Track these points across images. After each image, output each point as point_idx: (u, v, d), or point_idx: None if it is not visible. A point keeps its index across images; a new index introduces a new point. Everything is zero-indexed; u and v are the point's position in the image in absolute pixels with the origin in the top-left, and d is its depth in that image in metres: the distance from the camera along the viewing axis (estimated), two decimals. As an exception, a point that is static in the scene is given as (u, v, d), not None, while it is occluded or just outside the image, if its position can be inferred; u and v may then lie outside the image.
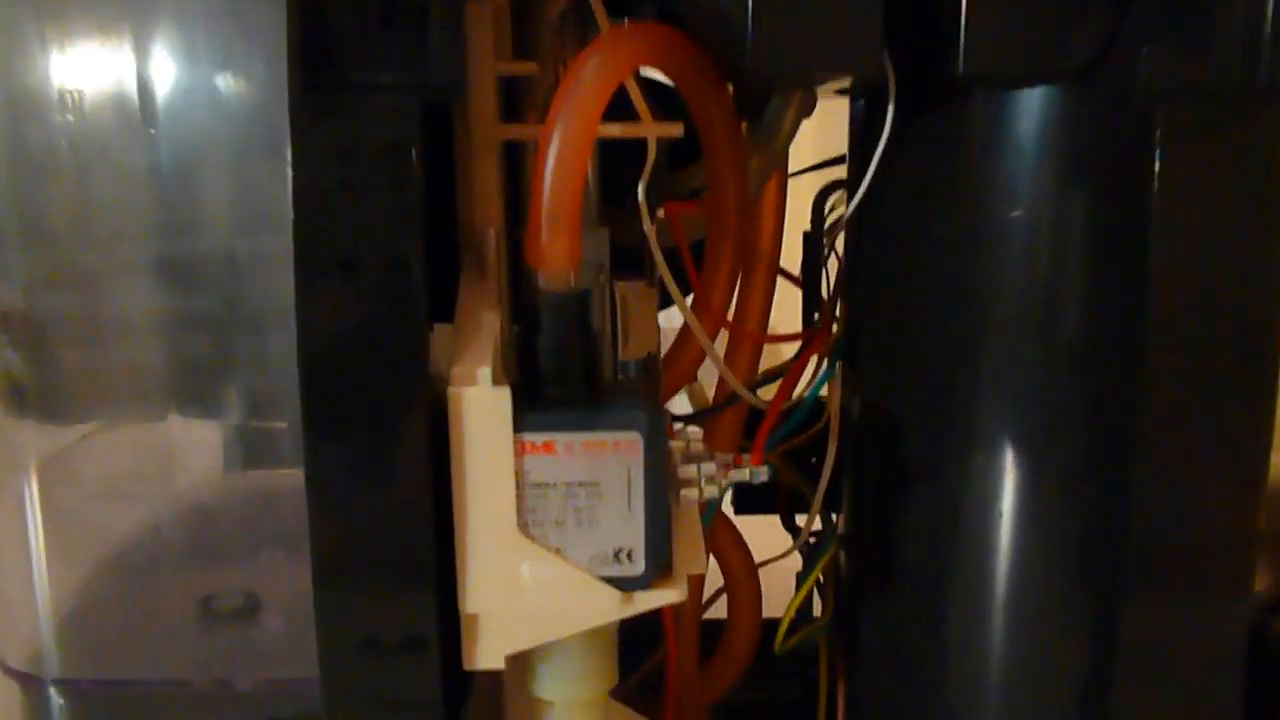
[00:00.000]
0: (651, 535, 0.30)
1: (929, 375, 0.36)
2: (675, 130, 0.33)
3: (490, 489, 0.29)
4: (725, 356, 0.40)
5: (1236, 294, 0.31)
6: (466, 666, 0.30)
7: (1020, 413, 0.34)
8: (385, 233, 0.28)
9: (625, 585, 0.30)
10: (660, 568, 0.30)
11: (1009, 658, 0.35)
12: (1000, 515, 0.34)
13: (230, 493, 0.40)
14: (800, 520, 0.42)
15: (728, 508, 0.49)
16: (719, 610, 0.43)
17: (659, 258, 0.34)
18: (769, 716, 0.45)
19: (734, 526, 0.42)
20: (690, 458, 0.31)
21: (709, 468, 0.31)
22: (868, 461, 0.39)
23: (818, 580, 0.43)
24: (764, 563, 0.43)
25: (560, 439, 0.29)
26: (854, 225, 0.39)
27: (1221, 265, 0.30)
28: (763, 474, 0.31)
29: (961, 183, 0.33)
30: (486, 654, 0.30)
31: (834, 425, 0.39)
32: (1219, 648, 0.33)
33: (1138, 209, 0.30)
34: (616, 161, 0.37)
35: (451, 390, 0.29)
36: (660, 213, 0.38)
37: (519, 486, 0.29)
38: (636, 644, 0.41)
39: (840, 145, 0.42)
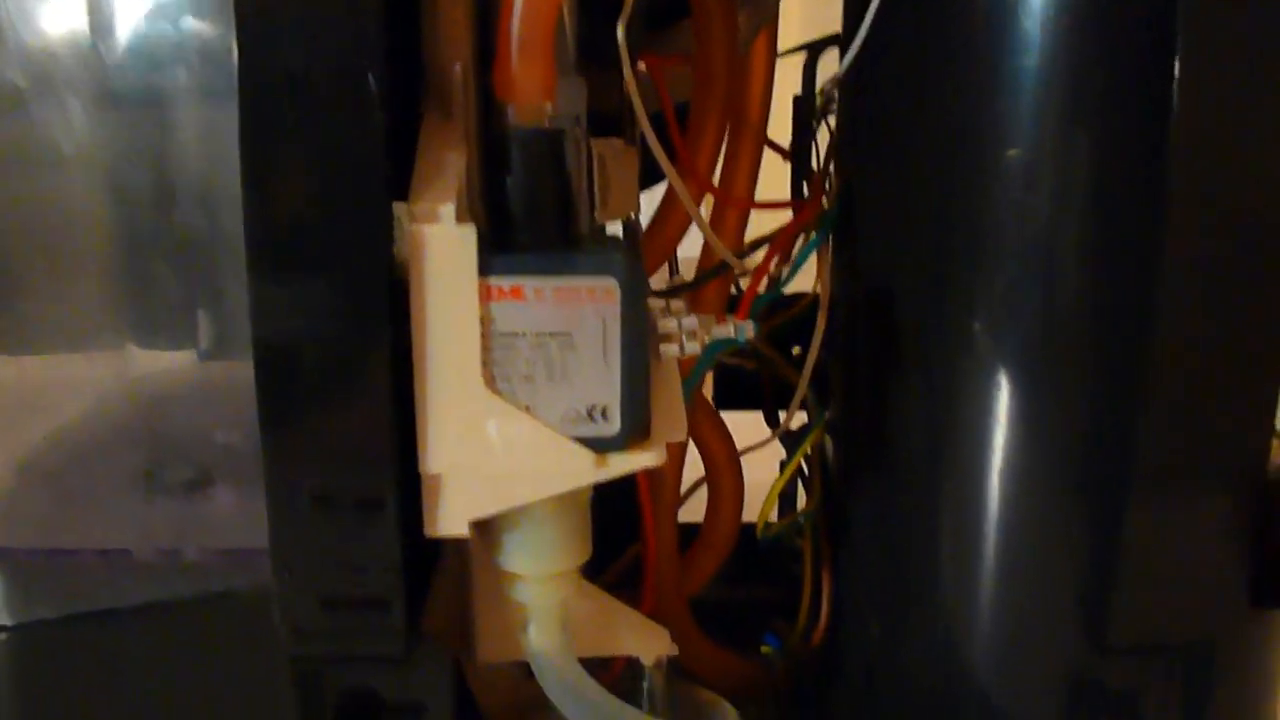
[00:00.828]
0: (628, 392, 0.28)
1: (925, 253, 0.34)
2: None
3: (453, 338, 0.27)
4: (710, 224, 0.38)
5: (1261, 164, 0.28)
6: (428, 532, 0.28)
7: (1024, 295, 0.32)
8: (337, 47, 0.25)
9: (599, 446, 0.28)
10: (637, 428, 0.28)
11: (1005, 552, 0.33)
12: (1000, 401, 0.33)
13: (185, 380, 0.38)
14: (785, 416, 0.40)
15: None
16: (696, 515, 0.41)
17: (639, 108, 0.32)
18: (750, 615, 0.43)
19: (715, 412, 0.40)
20: (671, 314, 0.29)
21: (690, 322, 0.28)
22: (860, 342, 0.37)
23: (801, 471, 0.41)
24: (746, 450, 0.41)
25: (530, 284, 0.27)
26: (848, 92, 0.37)
27: (1244, 131, 0.28)
28: (747, 330, 0.29)
29: (966, 45, 0.31)
30: (449, 519, 0.28)
31: (823, 301, 0.37)
32: (1224, 547, 0.32)
33: (1158, 75, 0.27)
34: (594, 20, 0.35)
35: (412, 228, 0.26)
36: (641, 66, 0.35)
37: (484, 336, 0.27)
38: (613, 540, 0.39)
39: (831, 26, 0.39)
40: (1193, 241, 0.28)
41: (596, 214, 0.35)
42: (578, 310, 0.27)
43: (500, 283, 0.27)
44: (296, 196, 0.26)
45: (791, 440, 0.40)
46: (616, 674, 0.36)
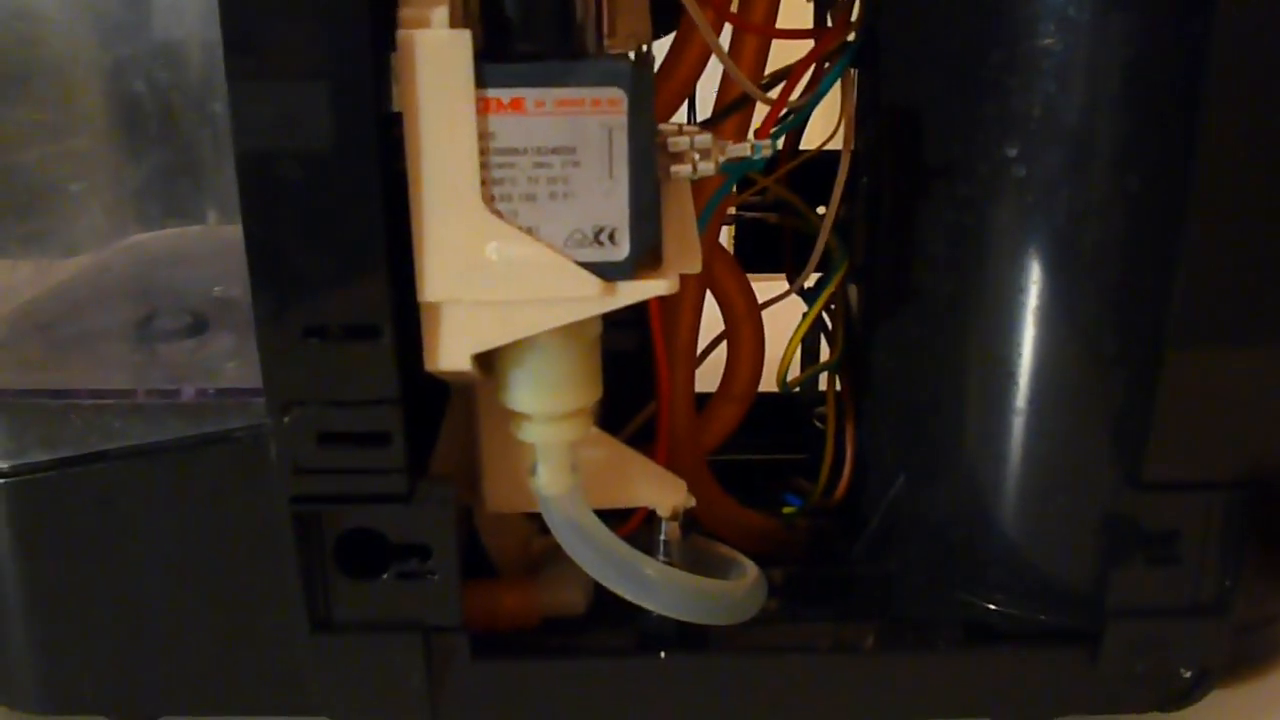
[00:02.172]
0: (637, 212, 0.26)
1: (953, 83, 0.31)
2: None
3: (449, 154, 0.25)
4: (729, 53, 0.35)
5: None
6: (428, 365, 0.27)
7: (1060, 120, 0.29)
8: None
9: (607, 272, 0.26)
10: (647, 253, 0.27)
11: (1037, 394, 0.32)
12: (1032, 237, 0.31)
13: (184, 243, 0.37)
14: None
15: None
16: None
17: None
18: (771, 475, 0.42)
19: (734, 261, 0.38)
20: (683, 132, 0.27)
21: (704, 140, 0.27)
22: (884, 183, 0.35)
23: (824, 326, 0.39)
24: (767, 303, 0.39)
25: (530, 95, 0.25)
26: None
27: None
28: (765, 149, 0.27)
29: None
30: (449, 351, 0.27)
31: (846, 140, 0.35)
32: (1266, 386, 0.30)
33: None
34: None
35: (401, 34, 0.24)
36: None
37: (483, 153, 0.25)
38: (628, 399, 0.38)
39: None
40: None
41: (605, 41, 0.33)
42: (582, 123, 0.25)
43: (499, 94, 0.25)
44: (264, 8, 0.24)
45: (812, 293, 0.38)
46: (634, 527, 0.35)
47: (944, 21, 0.31)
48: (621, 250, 0.26)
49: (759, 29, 0.34)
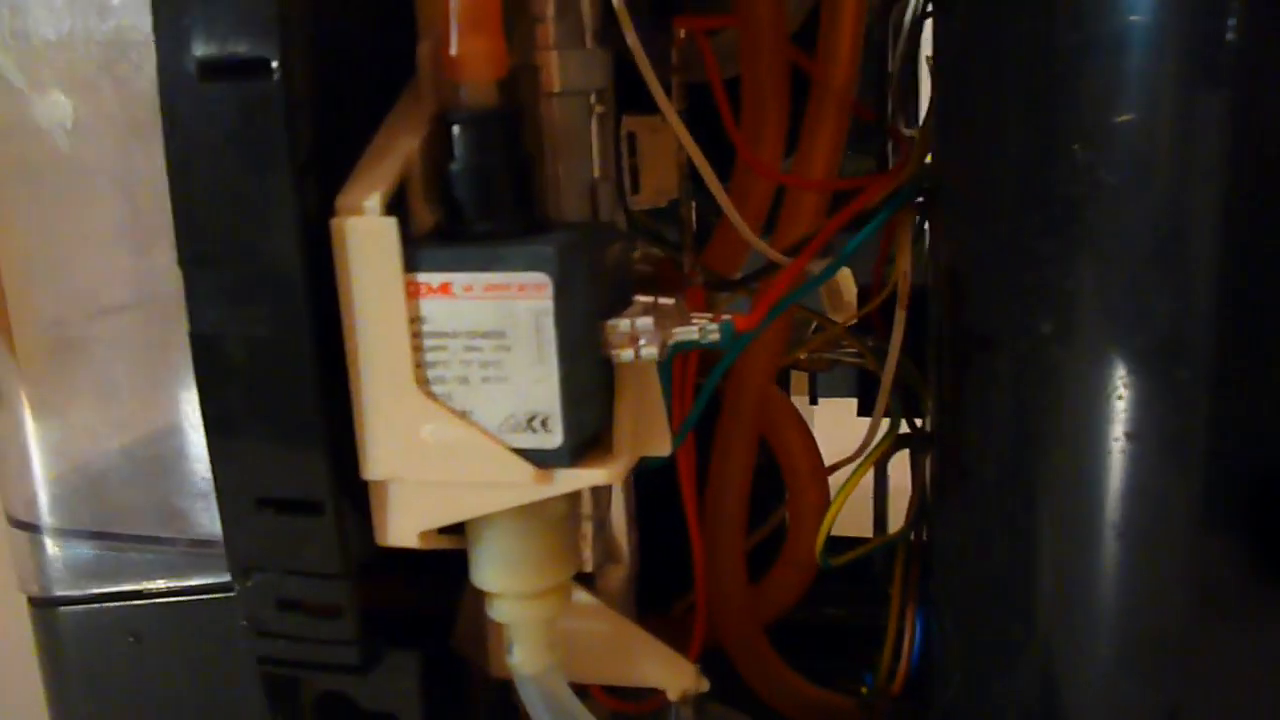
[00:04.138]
0: (568, 400, 0.25)
1: (1014, 236, 0.28)
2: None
3: (382, 337, 0.25)
4: (785, 211, 0.33)
5: None
6: (378, 541, 0.27)
7: (1142, 285, 0.25)
8: (246, 29, 0.24)
9: (542, 459, 0.25)
10: (582, 442, 0.25)
11: (1120, 585, 0.27)
12: (1111, 407, 0.26)
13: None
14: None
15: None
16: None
17: (652, 82, 0.28)
18: (819, 638, 0.38)
19: (795, 414, 0.35)
20: (631, 313, 0.25)
21: (644, 322, 0.25)
22: (942, 337, 0.31)
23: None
24: (835, 467, 0.36)
25: (458, 279, 0.25)
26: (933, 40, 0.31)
27: None
28: (714, 333, 0.25)
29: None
30: (398, 529, 0.27)
31: (902, 292, 0.32)
32: None
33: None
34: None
35: (334, 221, 0.25)
36: (680, 33, 0.31)
37: (415, 335, 0.25)
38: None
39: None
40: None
41: (629, 202, 0.32)
42: (510, 307, 0.25)
43: (428, 278, 0.25)
44: (209, 189, 0.25)
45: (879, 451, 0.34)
46: (654, 707, 0.33)
47: (997, 168, 0.28)
48: (555, 438, 0.25)
49: (818, 185, 0.31)
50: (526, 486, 0.25)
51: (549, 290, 0.24)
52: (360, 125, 0.26)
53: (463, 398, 0.25)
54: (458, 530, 0.28)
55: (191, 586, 0.32)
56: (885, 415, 0.34)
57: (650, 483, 0.33)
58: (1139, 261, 0.25)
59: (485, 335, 0.25)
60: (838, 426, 0.42)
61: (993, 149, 0.28)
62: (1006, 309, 0.28)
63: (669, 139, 0.31)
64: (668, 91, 0.32)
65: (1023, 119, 0.27)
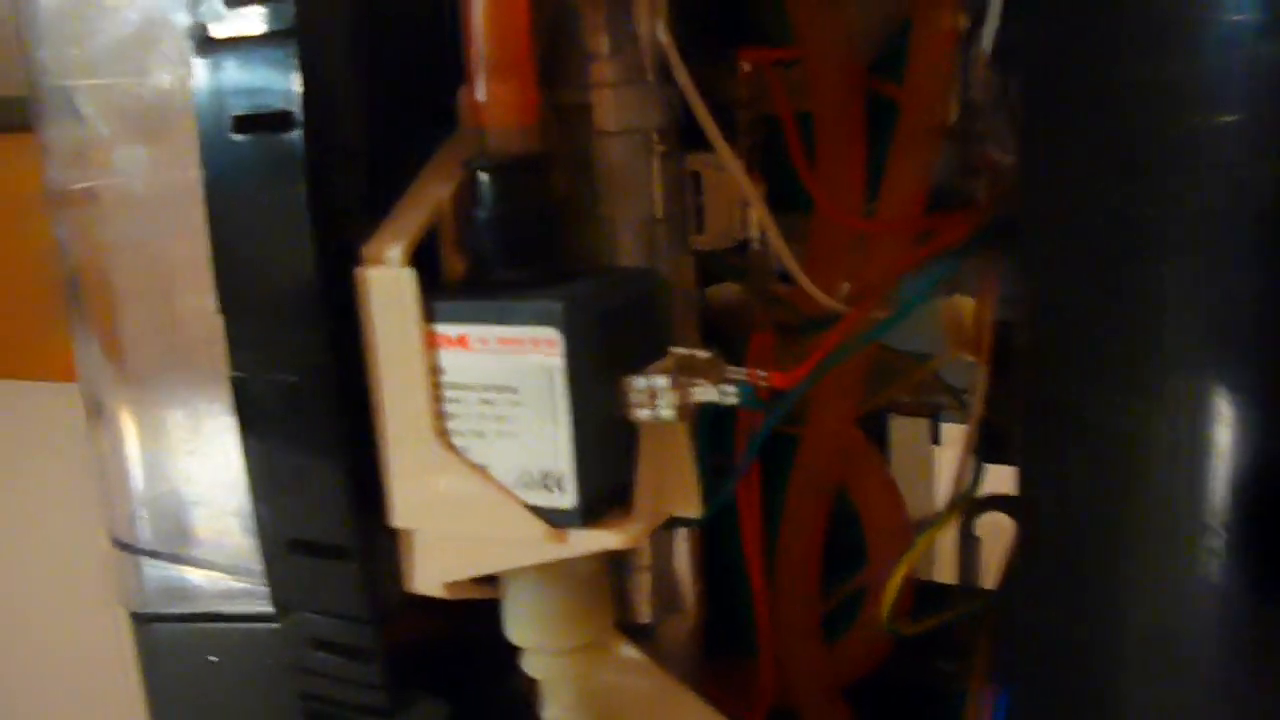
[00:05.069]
0: (581, 459, 0.24)
1: (1117, 281, 0.25)
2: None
3: (403, 387, 0.25)
4: (864, 256, 0.31)
5: None
6: (405, 588, 0.27)
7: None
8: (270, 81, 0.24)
9: (556, 519, 0.24)
10: (601, 501, 0.24)
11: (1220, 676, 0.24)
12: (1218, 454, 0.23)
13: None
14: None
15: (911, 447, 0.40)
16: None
17: (706, 119, 0.27)
18: (905, 698, 0.36)
19: (882, 467, 0.33)
20: (656, 369, 0.24)
21: (660, 381, 0.24)
22: (1044, 398, 0.29)
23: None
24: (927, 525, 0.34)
25: (474, 331, 0.24)
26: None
27: None
28: (731, 395, 0.24)
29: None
30: (424, 578, 0.27)
31: (984, 344, 0.29)
32: None
33: None
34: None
35: (356, 271, 0.25)
36: (745, 66, 0.30)
37: (436, 386, 0.25)
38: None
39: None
40: None
41: (692, 242, 0.31)
42: (523, 362, 0.24)
43: (446, 330, 0.25)
44: (241, 238, 0.25)
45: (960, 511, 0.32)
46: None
47: (1081, 186, 0.25)
48: (568, 497, 0.24)
49: (902, 226, 0.29)
50: (540, 545, 0.25)
51: (559, 346, 0.23)
52: (408, 174, 0.26)
53: (479, 451, 0.25)
54: (493, 579, 0.28)
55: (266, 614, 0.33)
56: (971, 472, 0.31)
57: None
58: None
59: (498, 389, 0.24)
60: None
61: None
62: (1094, 374, 0.25)
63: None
64: (734, 128, 0.31)
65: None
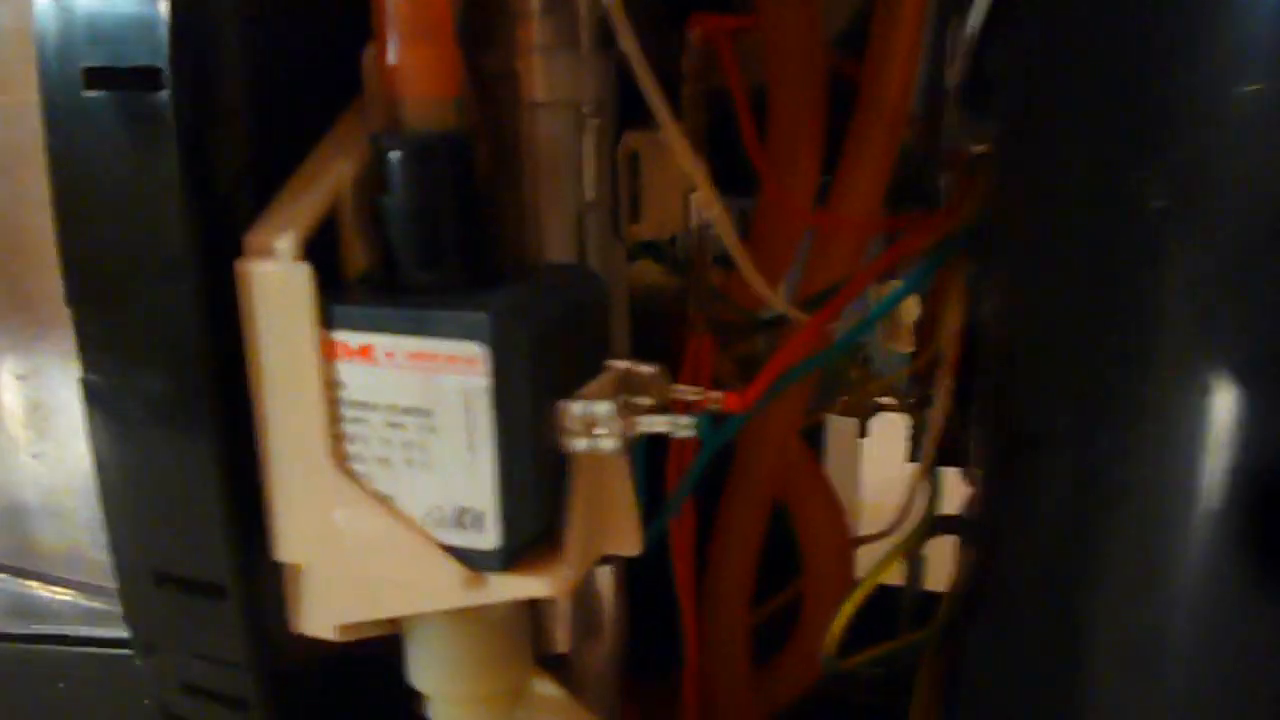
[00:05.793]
0: (506, 495, 0.20)
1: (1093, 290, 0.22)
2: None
3: (293, 401, 0.21)
4: (813, 252, 0.28)
5: None
6: (292, 628, 0.23)
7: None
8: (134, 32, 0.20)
9: (473, 561, 0.21)
10: (519, 545, 0.21)
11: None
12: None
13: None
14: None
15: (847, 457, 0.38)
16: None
17: (653, 92, 0.23)
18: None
19: (824, 483, 0.30)
20: (594, 394, 0.21)
21: (603, 408, 0.20)
22: (999, 433, 0.26)
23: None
24: (864, 539, 0.31)
25: (380, 343, 0.20)
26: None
27: None
28: (687, 427, 0.20)
29: None
30: (313, 618, 0.23)
31: (947, 352, 0.27)
32: None
33: None
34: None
35: (238, 264, 0.21)
36: (695, 34, 0.26)
37: (333, 403, 0.21)
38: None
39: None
40: None
41: (625, 229, 0.27)
42: (438, 382, 0.20)
43: (346, 339, 0.21)
44: (96, 216, 0.21)
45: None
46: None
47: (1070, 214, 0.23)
48: (488, 538, 0.21)
49: (855, 225, 0.26)
50: (454, 590, 0.21)
51: (483, 365, 0.20)
52: (303, 146, 0.22)
53: (385, 481, 0.21)
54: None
55: (117, 639, 0.29)
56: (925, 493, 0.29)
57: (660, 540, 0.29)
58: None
59: (408, 411, 0.21)
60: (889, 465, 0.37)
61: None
62: (1066, 400, 0.23)
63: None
64: (679, 102, 0.27)
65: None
